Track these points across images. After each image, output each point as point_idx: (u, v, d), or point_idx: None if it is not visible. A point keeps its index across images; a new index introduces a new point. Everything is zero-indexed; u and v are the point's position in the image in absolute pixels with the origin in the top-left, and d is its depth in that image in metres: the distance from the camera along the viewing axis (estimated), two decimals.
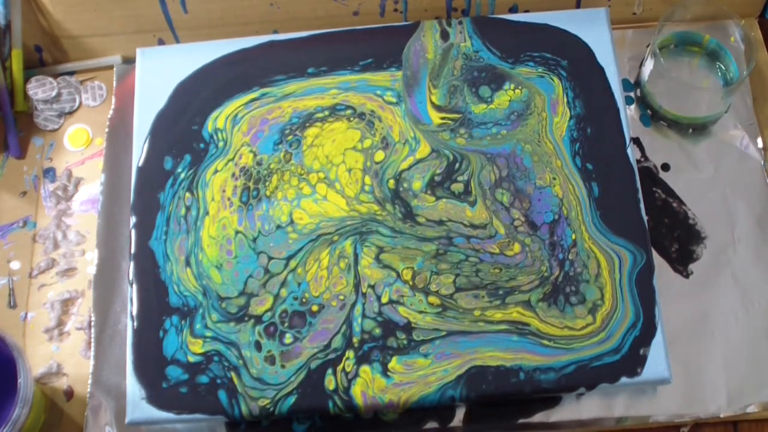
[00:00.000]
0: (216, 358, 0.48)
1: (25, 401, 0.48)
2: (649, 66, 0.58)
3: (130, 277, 0.50)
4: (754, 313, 0.54)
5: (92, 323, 0.54)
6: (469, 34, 0.55)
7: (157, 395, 0.47)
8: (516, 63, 0.54)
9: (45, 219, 0.59)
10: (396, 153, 0.52)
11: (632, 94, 0.60)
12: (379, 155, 0.53)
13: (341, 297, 0.49)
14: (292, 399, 0.47)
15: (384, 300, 0.49)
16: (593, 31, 0.54)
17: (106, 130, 0.60)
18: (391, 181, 0.52)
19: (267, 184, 0.52)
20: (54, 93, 0.63)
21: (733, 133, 0.60)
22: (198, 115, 0.54)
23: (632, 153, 0.51)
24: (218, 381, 0.47)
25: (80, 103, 0.63)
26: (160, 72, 0.55)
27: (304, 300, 0.49)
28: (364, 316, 0.48)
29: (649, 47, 0.59)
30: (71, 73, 0.64)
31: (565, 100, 0.53)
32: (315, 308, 0.49)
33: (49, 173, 0.61)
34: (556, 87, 0.53)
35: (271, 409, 0.46)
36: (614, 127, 0.52)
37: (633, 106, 0.60)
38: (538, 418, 0.51)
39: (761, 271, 0.55)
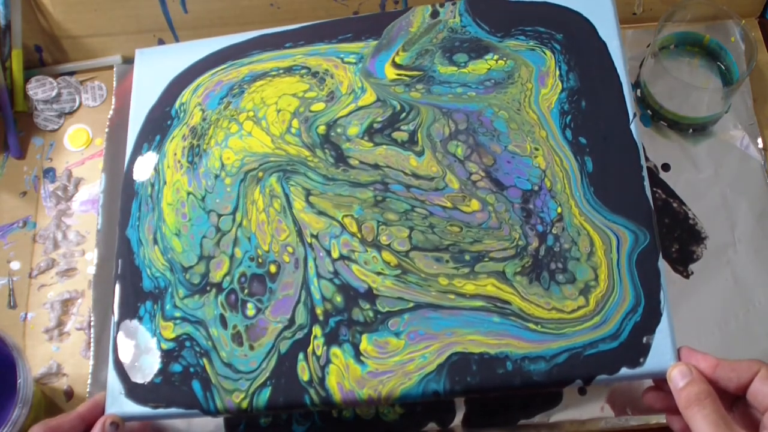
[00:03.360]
0: (188, 343, 0.47)
1: (25, 401, 0.48)
2: (649, 66, 0.58)
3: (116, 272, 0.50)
4: (754, 313, 0.54)
5: (92, 323, 0.54)
6: (460, 12, 0.53)
7: (133, 388, 0.46)
8: (505, 37, 0.52)
9: (45, 219, 0.59)
10: (339, 104, 0.51)
11: (632, 94, 0.60)
12: (318, 106, 0.52)
13: (290, 249, 0.48)
14: (267, 392, 0.45)
15: (335, 255, 0.47)
16: (596, 7, 0.52)
17: (106, 130, 0.60)
18: (322, 127, 0.51)
19: (206, 137, 0.52)
20: (54, 93, 0.63)
21: (734, 133, 0.60)
22: (173, 98, 0.54)
23: (636, 128, 0.48)
24: (191, 369, 0.46)
25: (80, 103, 0.63)
26: (157, 72, 0.55)
27: (259, 260, 0.48)
28: (319, 276, 0.47)
29: (649, 47, 0.59)
30: (71, 73, 0.64)
31: (557, 72, 0.50)
32: (273, 269, 0.47)
33: (49, 173, 0.61)
34: (548, 60, 0.51)
35: (247, 406, 0.45)
36: (614, 102, 0.49)
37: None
38: (539, 418, 0.51)
39: (761, 271, 0.55)
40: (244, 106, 0.52)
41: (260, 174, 0.50)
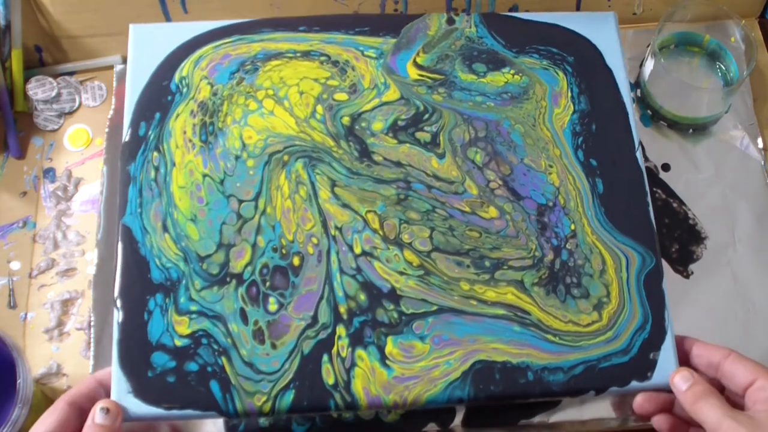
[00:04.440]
0: (204, 341, 0.44)
1: (25, 401, 0.48)
2: (649, 66, 0.58)
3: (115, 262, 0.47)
4: (754, 313, 0.54)
5: (92, 323, 0.54)
6: (476, 23, 0.54)
7: (143, 387, 0.43)
8: (520, 53, 0.53)
9: (45, 219, 0.59)
10: (362, 97, 0.50)
11: (632, 94, 0.60)
12: (342, 96, 0.50)
13: (314, 240, 0.46)
14: (290, 395, 0.44)
15: (357, 250, 0.46)
16: (602, 33, 0.53)
17: (106, 130, 0.60)
18: (347, 119, 0.50)
19: (219, 114, 0.50)
20: (54, 93, 0.63)
21: (734, 133, 0.60)
22: (170, 70, 0.51)
23: (641, 157, 0.50)
24: (209, 369, 0.44)
25: (80, 103, 0.63)
26: (154, 47, 0.52)
27: (283, 251, 0.46)
28: (341, 271, 0.46)
29: (649, 47, 0.59)
30: (71, 73, 0.64)
31: (569, 94, 0.52)
32: (296, 261, 0.46)
33: (49, 173, 0.61)
34: (561, 80, 0.52)
35: (269, 410, 0.44)
36: (622, 129, 0.51)
37: (633, 106, 0.60)
38: (539, 418, 0.51)
39: (761, 271, 0.55)
40: (260, 84, 0.50)
41: (285, 157, 0.48)
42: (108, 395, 0.43)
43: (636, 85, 0.61)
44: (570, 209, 0.49)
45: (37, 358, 0.55)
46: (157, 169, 0.48)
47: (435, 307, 0.46)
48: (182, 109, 0.50)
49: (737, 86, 0.56)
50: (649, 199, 0.49)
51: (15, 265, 0.58)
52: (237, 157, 0.48)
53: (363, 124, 0.49)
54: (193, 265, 0.46)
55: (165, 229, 0.47)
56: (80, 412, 0.41)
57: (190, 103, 0.50)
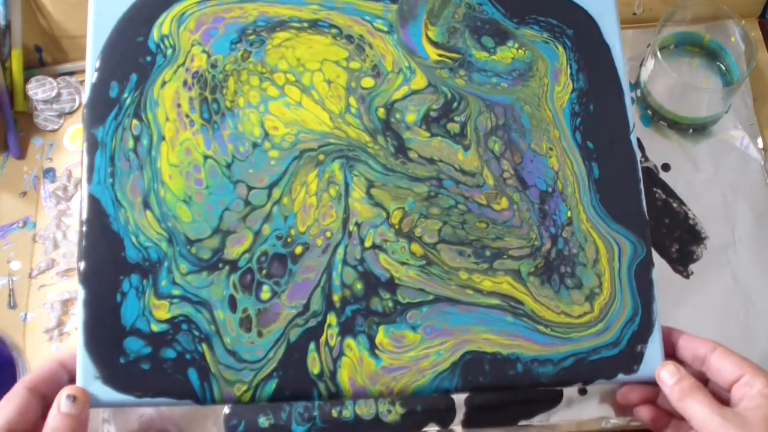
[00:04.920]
0: (185, 326, 0.42)
1: None
2: (649, 66, 0.58)
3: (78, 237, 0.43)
4: (754, 313, 0.54)
5: None
6: None
7: (112, 374, 0.40)
8: (521, 24, 0.50)
9: (45, 219, 0.59)
10: (388, 83, 0.48)
11: (632, 95, 0.60)
12: (368, 81, 0.47)
13: (328, 234, 0.45)
14: (272, 385, 0.42)
15: (367, 244, 0.45)
16: (599, 6, 0.51)
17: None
18: (381, 110, 0.47)
19: (224, 91, 0.46)
20: (54, 93, 0.63)
21: (734, 133, 0.60)
22: (144, 25, 0.46)
23: (635, 140, 0.48)
24: (187, 356, 0.41)
25: (80, 103, 0.63)
26: None
27: (288, 240, 0.44)
28: (344, 262, 0.44)
29: (649, 47, 0.59)
30: (71, 73, 0.64)
31: (569, 71, 0.50)
32: (299, 250, 0.44)
33: (49, 173, 0.61)
34: (560, 56, 0.50)
35: (249, 399, 0.42)
36: (618, 109, 0.49)
37: (633, 106, 0.60)
38: (539, 419, 0.51)
39: (761, 271, 0.55)
40: (274, 64, 0.46)
41: (321, 157, 0.45)
42: (71, 379, 0.40)
43: (636, 85, 0.61)
44: (567, 195, 0.47)
45: (37, 358, 0.55)
46: (137, 138, 0.44)
47: (431, 297, 0.45)
48: (169, 76, 0.45)
49: (737, 86, 0.56)
50: (641, 185, 0.47)
51: (15, 265, 0.58)
52: (255, 145, 0.45)
53: (397, 116, 0.47)
54: (179, 248, 0.43)
55: (147, 206, 0.43)
56: (41, 398, 0.39)
57: (180, 71, 0.45)
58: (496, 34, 0.50)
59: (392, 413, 0.51)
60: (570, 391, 0.52)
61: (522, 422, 0.51)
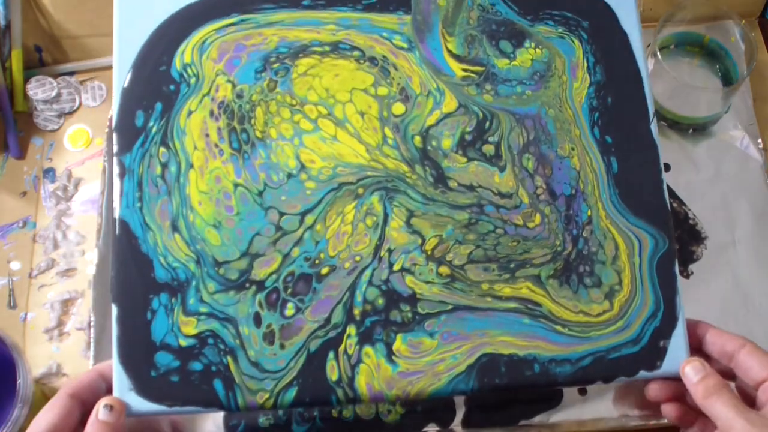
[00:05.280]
0: (210, 341, 0.43)
1: (25, 401, 0.48)
2: (649, 66, 0.58)
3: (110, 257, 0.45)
4: (754, 313, 0.54)
5: (92, 323, 0.54)
6: None
7: (145, 386, 0.43)
8: (535, 21, 0.49)
9: (45, 219, 0.59)
10: (419, 107, 0.47)
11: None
12: (399, 108, 0.47)
13: (357, 258, 0.45)
14: (293, 392, 0.43)
15: (396, 268, 0.45)
16: None
17: (106, 130, 0.60)
18: (418, 138, 0.47)
19: (252, 121, 0.46)
20: (54, 93, 0.63)
21: (734, 133, 0.60)
22: (165, 53, 0.46)
23: (656, 129, 0.47)
24: (213, 368, 0.43)
25: (80, 103, 0.63)
26: (141, 18, 0.47)
27: (316, 262, 0.44)
28: (370, 283, 0.45)
29: (649, 47, 0.59)
30: (71, 73, 0.64)
31: (585, 65, 0.48)
32: (325, 270, 0.44)
33: (49, 173, 0.61)
34: (577, 50, 0.49)
35: (271, 406, 0.43)
36: (637, 99, 0.48)
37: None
38: (539, 418, 0.51)
39: (761, 271, 0.55)
40: (303, 96, 0.46)
41: (360, 190, 0.46)
42: (109, 388, 0.43)
43: None
44: (587, 194, 0.47)
45: (37, 358, 0.55)
46: (164, 165, 0.45)
47: (450, 306, 0.45)
48: (195, 106, 0.46)
49: (737, 86, 0.56)
50: (663, 176, 0.47)
51: (15, 265, 0.58)
52: (290, 175, 0.46)
53: (434, 143, 0.47)
54: (207, 269, 0.44)
55: (175, 229, 0.45)
56: (82, 404, 0.41)
57: (206, 100, 0.46)
58: (513, 36, 0.49)
59: (392, 413, 0.51)
60: (570, 391, 0.52)
61: (522, 422, 0.51)
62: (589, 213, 0.46)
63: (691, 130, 0.59)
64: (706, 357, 0.43)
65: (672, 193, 0.57)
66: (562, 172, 0.47)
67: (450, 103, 0.48)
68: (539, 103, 0.48)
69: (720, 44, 0.60)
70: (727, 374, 0.42)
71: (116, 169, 0.45)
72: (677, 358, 0.43)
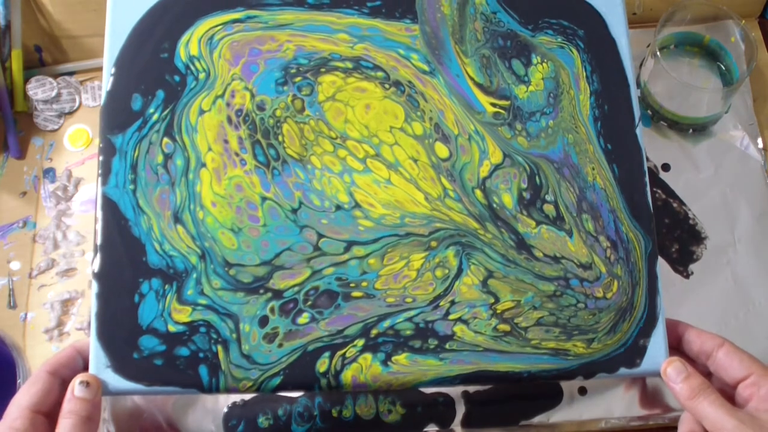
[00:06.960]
0: (203, 329, 0.43)
1: None
2: (649, 66, 0.58)
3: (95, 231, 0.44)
4: (754, 313, 0.54)
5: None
6: None
7: (124, 365, 0.42)
8: (536, 30, 0.49)
9: (45, 219, 0.59)
10: (464, 152, 0.46)
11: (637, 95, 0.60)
12: (441, 150, 0.46)
13: (408, 300, 0.44)
14: (276, 380, 0.42)
15: (452, 317, 0.44)
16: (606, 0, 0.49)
17: None
18: (479, 192, 0.45)
19: (280, 138, 0.45)
20: (54, 93, 0.63)
21: (734, 133, 0.60)
22: (166, 39, 0.45)
23: (641, 134, 0.47)
24: (201, 355, 0.42)
25: (80, 103, 0.63)
26: None
27: (351, 284, 0.43)
28: (410, 320, 0.43)
29: (649, 47, 0.59)
30: (71, 73, 0.64)
31: (584, 74, 0.48)
32: (357, 294, 0.43)
33: (49, 173, 0.61)
34: (576, 59, 0.48)
35: (254, 391, 0.43)
36: (626, 105, 0.48)
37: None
38: (539, 419, 0.51)
39: (761, 271, 0.55)
40: (340, 129, 0.45)
41: (433, 243, 0.44)
42: (86, 366, 0.42)
43: (636, 85, 0.61)
44: (615, 209, 0.47)
45: (37, 358, 0.55)
46: (168, 156, 0.44)
47: (481, 349, 0.44)
48: (207, 105, 0.45)
49: (737, 86, 0.56)
50: (647, 178, 0.47)
51: (15, 265, 0.58)
52: (339, 207, 0.44)
53: (495, 199, 0.45)
54: (213, 266, 0.43)
55: (178, 220, 0.44)
56: (62, 381, 0.41)
57: (220, 103, 0.45)
58: (521, 52, 0.48)
59: (392, 413, 0.51)
60: (570, 391, 0.52)
61: (522, 422, 0.51)
62: (623, 229, 0.46)
63: (691, 130, 0.59)
64: (683, 355, 0.43)
65: (672, 193, 0.57)
66: (603, 209, 0.46)
67: (495, 153, 0.46)
68: (561, 132, 0.47)
69: (720, 44, 0.60)
70: (702, 373, 0.42)
71: (102, 146, 0.44)
72: (657, 356, 0.44)
